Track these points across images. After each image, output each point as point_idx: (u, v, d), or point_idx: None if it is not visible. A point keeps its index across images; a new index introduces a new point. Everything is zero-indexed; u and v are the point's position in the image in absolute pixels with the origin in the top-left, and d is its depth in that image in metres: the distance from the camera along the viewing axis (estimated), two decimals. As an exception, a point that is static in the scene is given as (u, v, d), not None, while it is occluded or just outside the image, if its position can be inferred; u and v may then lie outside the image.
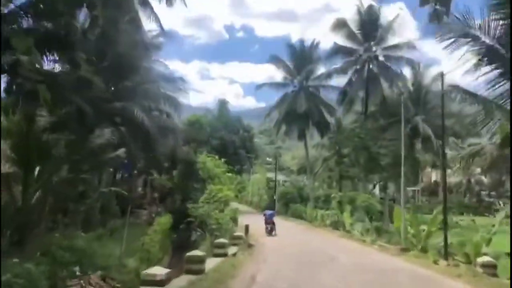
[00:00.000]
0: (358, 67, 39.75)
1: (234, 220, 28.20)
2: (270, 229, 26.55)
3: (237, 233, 20.97)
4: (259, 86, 45.83)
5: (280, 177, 57.01)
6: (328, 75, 42.57)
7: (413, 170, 32.74)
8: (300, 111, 41.71)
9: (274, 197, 48.38)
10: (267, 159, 71.96)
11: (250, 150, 52.52)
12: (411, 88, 35.19)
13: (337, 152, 37.79)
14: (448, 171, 33.62)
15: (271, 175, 57.91)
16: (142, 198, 31.98)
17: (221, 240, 16.26)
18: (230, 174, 32.85)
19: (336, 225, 30.33)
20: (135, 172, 28.13)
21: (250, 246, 19.83)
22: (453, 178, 48.87)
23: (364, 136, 33.61)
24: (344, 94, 41.13)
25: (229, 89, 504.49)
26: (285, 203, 47.73)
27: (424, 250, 18.15)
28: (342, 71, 40.84)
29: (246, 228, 23.43)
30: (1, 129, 10.25)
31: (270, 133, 78.44)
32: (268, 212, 28.83)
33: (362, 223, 26.42)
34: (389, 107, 33.64)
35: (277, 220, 29.68)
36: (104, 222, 18.91)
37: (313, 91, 44.31)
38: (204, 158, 31.82)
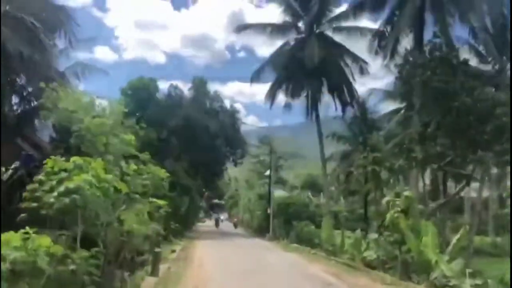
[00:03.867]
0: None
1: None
2: None
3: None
4: (243, 27, 28.97)
5: (280, 192, 39.49)
6: (353, 13, 25.91)
7: None
8: (310, 65, 24.94)
9: (268, 211, 31.02)
10: (261, 158, 54.94)
11: (234, 142, 35.50)
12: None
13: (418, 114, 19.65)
14: None
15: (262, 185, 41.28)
16: None
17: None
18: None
19: (405, 268, 12.94)
20: None
21: None
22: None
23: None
24: (381, 37, 24.48)
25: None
26: (286, 220, 30.39)
27: None
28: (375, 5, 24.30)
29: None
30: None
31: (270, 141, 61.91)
32: None
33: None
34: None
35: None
36: None
37: (328, 36, 27.44)
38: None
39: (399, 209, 14.86)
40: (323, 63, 25.71)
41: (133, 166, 11.14)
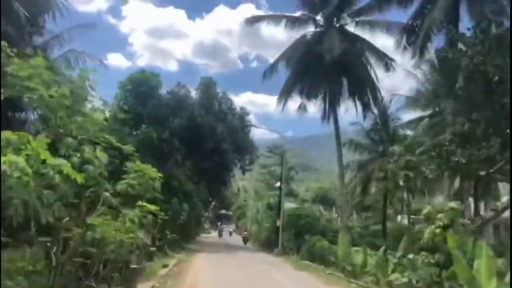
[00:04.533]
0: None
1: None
2: None
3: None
4: (256, 19, 26.33)
5: (290, 205, 36.57)
6: (378, 6, 23.30)
7: None
8: (328, 59, 22.22)
9: (277, 223, 28.06)
10: (271, 169, 52.20)
11: (242, 147, 32.65)
12: None
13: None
14: None
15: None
16: None
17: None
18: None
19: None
20: None
21: None
22: None
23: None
24: (409, 32, 21.79)
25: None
26: (296, 233, 27.47)
27: None
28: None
29: None
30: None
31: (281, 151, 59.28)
32: None
33: None
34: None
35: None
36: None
37: (349, 31, 24.70)
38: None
39: (441, 223, 11.96)
40: (344, 59, 22.95)
41: (101, 153, 8.39)
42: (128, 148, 12.18)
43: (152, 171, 13.13)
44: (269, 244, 32.06)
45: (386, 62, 23.33)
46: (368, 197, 42.92)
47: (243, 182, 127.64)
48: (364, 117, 25.62)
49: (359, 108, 25.08)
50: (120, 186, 12.17)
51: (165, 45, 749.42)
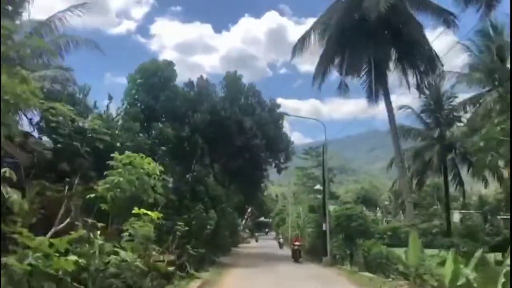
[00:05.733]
0: None
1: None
2: None
3: None
4: None
5: (331, 207, 31.84)
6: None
7: None
8: (372, 21, 17.91)
9: (324, 227, 23.60)
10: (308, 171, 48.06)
11: (275, 143, 28.52)
12: None
13: None
14: None
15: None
16: None
17: None
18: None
19: None
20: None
21: None
22: None
23: None
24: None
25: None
26: (347, 237, 23.05)
27: None
28: None
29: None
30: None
31: (317, 153, 55.23)
32: None
33: None
34: None
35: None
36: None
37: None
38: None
39: None
40: (391, 20, 18.58)
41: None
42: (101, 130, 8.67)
43: (148, 163, 9.30)
44: (314, 252, 27.73)
45: (446, 18, 18.70)
46: (422, 190, 38.03)
47: (281, 189, 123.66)
48: (420, 91, 20.92)
49: (411, 83, 20.38)
50: (103, 186, 8.54)
51: (195, 59, 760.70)
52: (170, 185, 22.48)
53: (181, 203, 21.94)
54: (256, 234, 60.41)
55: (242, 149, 26.44)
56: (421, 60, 19.66)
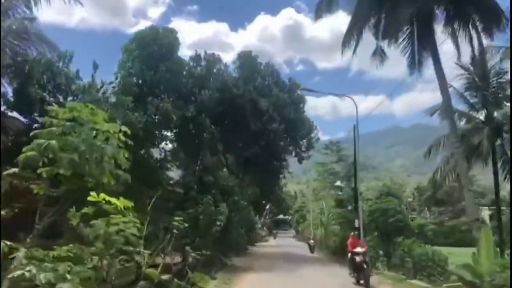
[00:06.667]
0: None
1: None
2: None
3: None
4: None
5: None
6: None
7: None
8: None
9: (357, 223, 19.77)
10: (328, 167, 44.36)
11: (296, 128, 24.83)
12: None
13: None
14: None
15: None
16: None
17: None
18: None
19: None
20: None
21: None
22: None
23: None
24: None
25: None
26: (383, 235, 19.33)
27: None
28: None
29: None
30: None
31: (338, 147, 51.50)
32: None
33: None
34: None
35: None
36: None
37: None
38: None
39: None
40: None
41: None
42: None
43: (105, 121, 5.83)
44: (342, 252, 24.03)
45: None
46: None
47: (300, 186, 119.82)
48: (474, 58, 16.99)
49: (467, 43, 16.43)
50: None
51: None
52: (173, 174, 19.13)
53: (187, 196, 18.60)
54: (275, 231, 57.65)
55: (257, 134, 22.91)
56: (481, 15, 15.75)
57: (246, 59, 25.88)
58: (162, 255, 11.73)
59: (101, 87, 14.81)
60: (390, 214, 19.46)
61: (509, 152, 26.47)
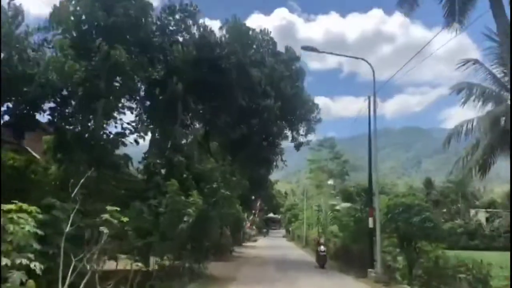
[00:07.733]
0: None
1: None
2: None
3: None
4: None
5: (345, 205, 22.35)
6: None
7: None
8: None
9: (371, 223, 15.25)
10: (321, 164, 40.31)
11: (294, 106, 20.30)
12: None
13: None
14: None
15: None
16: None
17: None
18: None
19: None
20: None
21: None
22: None
23: None
24: None
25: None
26: (404, 238, 14.83)
27: None
28: None
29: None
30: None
31: (331, 144, 47.64)
32: None
33: None
34: None
35: None
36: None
37: None
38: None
39: None
40: None
41: None
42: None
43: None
44: (348, 258, 19.62)
45: None
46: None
47: (291, 186, 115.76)
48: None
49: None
50: None
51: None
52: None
53: (150, 181, 14.02)
54: (265, 230, 53.97)
55: (246, 111, 18.35)
56: None
57: (235, 25, 21.20)
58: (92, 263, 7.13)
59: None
60: (414, 212, 14.98)
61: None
